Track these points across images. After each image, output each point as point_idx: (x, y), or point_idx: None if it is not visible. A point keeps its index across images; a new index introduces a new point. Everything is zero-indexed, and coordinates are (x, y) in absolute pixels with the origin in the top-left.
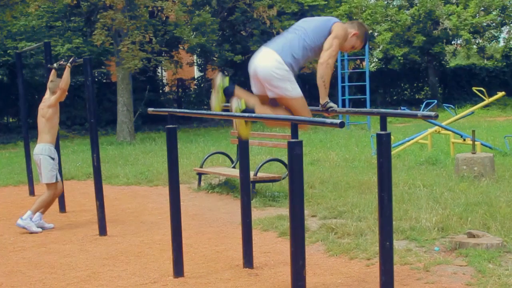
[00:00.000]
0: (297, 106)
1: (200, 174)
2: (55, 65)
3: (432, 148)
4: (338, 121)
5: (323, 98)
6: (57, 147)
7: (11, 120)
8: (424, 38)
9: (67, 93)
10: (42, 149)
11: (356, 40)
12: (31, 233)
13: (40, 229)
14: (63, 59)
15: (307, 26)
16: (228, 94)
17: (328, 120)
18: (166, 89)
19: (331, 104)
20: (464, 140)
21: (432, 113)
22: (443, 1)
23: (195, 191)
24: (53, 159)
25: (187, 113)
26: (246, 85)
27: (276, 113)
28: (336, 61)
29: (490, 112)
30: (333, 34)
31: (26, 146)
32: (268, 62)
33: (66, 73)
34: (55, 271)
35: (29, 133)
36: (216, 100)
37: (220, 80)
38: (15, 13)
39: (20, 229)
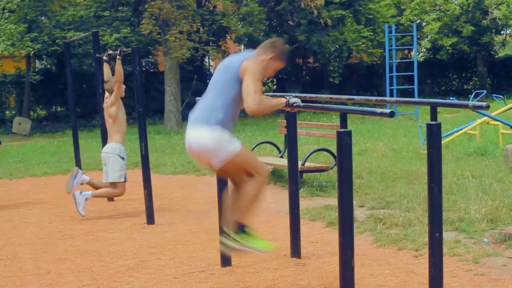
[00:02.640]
0: (244, 158)
1: None
2: (104, 57)
3: (481, 139)
4: (388, 111)
5: (281, 101)
6: (104, 136)
7: (59, 109)
8: (473, 28)
9: (124, 86)
10: (112, 148)
11: (275, 62)
12: (77, 208)
13: (84, 212)
14: (110, 49)
15: (221, 78)
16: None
17: (378, 110)
18: None
19: (293, 99)
20: None
21: (483, 104)
22: None
23: None
24: (122, 158)
25: None
26: (293, 74)
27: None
28: (384, 50)
29: None
30: (247, 76)
31: (74, 135)
32: (201, 138)
33: (118, 66)
34: (103, 259)
35: (77, 122)
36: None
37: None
38: (63, 3)
39: (68, 217)
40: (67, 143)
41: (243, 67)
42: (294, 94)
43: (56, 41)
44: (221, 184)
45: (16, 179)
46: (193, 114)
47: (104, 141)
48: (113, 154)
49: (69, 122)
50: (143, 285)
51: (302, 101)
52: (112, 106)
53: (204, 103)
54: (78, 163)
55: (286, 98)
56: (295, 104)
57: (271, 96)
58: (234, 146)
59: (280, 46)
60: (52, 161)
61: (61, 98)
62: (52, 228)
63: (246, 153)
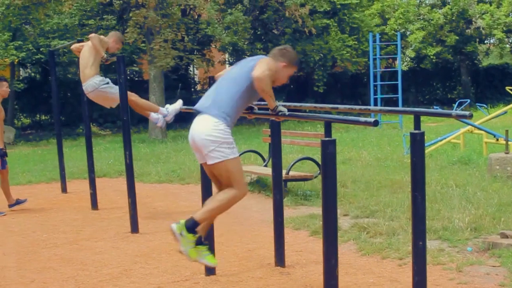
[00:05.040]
0: (234, 168)
1: None
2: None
3: (465, 148)
4: (372, 120)
5: (272, 104)
6: (88, 145)
7: (43, 117)
8: (457, 37)
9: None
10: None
11: (288, 69)
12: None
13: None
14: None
15: (231, 73)
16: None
17: (362, 119)
18: (198, 87)
19: (281, 108)
20: (497, 139)
21: (467, 113)
22: (476, 0)
23: None
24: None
25: None
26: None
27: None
28: (368, 59)
29: None
30: (262, 64)
31: (58, 144)
32: (204, 127)
33: None
34: (87, 267)
35: (61, 131)
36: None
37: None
38: (48, 11)
39: (52, 226)
40: (51, 152)
41: (258, 62)
42: (280, 103)
43: (41, 49)
44: (206, 193)
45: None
46: (201, 103)
47: (90, 150)
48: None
49: (53, 130)
50: None
51: (287, 109)
52: None
53: (215, 94)
54: (62, 172)
55: (277, 103)
56: (280, 113)
57: (262, 105)
58: (232, 152)
59: (291, 53)
60: (36, 170)
61: (45, 106)
62: (36, 237)
63: (238, 165)
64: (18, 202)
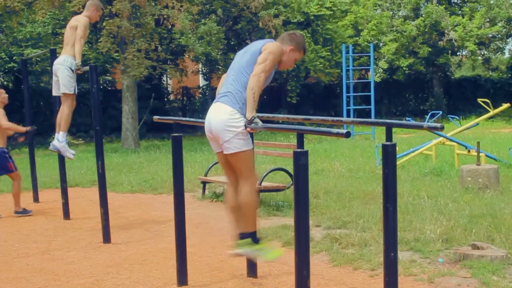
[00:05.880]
0: (247, 159)
1: (204, 183)
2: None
3: (437, 159)
4: (344, 131)
5: (250, 112)
6: (60, 154)
7: None
8: (429, 49)
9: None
10: None
11: (295, 53)
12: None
13: (72, 155)
14: None
15: (241, 61)
16: None
17: (334, 130)
18: (171, 97)
19: (257, 120)
20: (469, 151)
21: (438, 125)
22: (448, 12)
23: (199, 199)
24: None
25: (192, 121)
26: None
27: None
28: (341, 70)
29: (495, 124)
30: (267, 50)
31: (30, 153)
32: (221, 116)
33: None
34: (59, 278)
35: (33, 140)
36: None
37: None
38: (21, 20)
39: (23, 235)
40: (23, 161)
41: (265, 47)
42: (255, 115)
43: (13, 58)
44: (179, 204)
45: None
46: (217, 96)
47: (62, 159)
48: None
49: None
50: None
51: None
52: None
53: (228, 83)
54: (34, 181)
55: (255, 114)
56: (253, 125)
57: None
58: (247, 143)
59: (299, 38)
60: (7, 179)
61: (17, 115)
62: (8, 246)
63: (251, 155)
64: (24, 211)
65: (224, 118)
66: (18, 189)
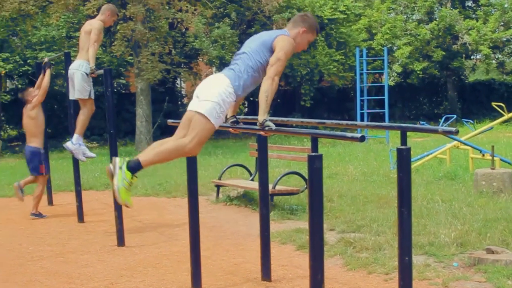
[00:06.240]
0: (205, 129)
1: (218, 186)
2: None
3: (451, 163)
4: (358, 135)
5: (262, 115)
6: (75, 158)
7: None
8: (443, 53)
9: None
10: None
11: (308, 34)
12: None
13: (84, 158)
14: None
15: (251, 46)
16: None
17: (349, 134)
18: (185, 100)
19: (269, 122)
20: (483, 155)
21: (453, 129)
22: (462, 16)
23: (213, 203)
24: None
25: None
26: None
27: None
28: (355, 74)
29: (509, 128)
30: (278, 48)
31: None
32: (217, 81)
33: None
34: (73, 281)
35: (48, 143)
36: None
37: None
38: (35, 23)
39: (38, 238)
40: None
41: (277, 41)
42: (268, 118)
43: (28, 61)
44: (193, 207)
45: None
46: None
47: (76, 162)
48: None
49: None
50: None
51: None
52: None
53: (233, 66)
54: (48, 184)
55: (267, 117)
56: (266, 128)
57: (249, 119)
58: (217, 118)
59: (311, 19)
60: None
61: None
62: (22, 249)
63: (209, 132)
64: (39, 215)
65: (218, 84)
66: (41, 193)
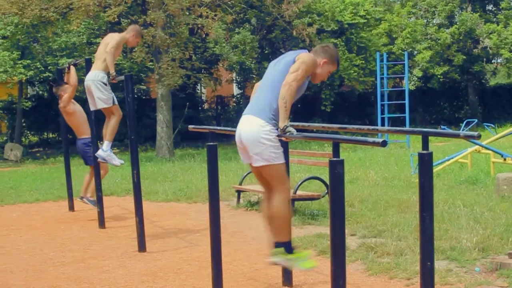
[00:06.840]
0: (278, 173)
1: (239, 192)
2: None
3: (472, 168)
4: (380, 140)
5: (283, 121)
6: (95, 163)
7: (51, 135)
8: (464, 57)
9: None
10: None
11: (329, 65)
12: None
13: (118, 163)
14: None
15: (274, 71)
16: None
17: (371, 139)
18: (205, 106)
19: (290, 128)
20: (505, 159)
21: (475, 133)
22: (483, 20)
23: (234, 208)
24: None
25: (227, 130)
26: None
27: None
28: (375, 79)
29: None
30: (301, 60)
31: (66, 162)
32: (252, 127)
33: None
34: (94, 286)
35: (69, 149)
36: None
37: None
38: (56, 30)
39: (59, 244)
40: (58, 170)
41: (300, 56)
42: (289, 123)
43: (49, 67)
44: (214, 212)
45: (7, 205)
46: (249, 105)
47: (97, 168)
48: None
49: (61, 148)
50: None
51: (294, 129)
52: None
53: (259, 96)
54: (69, 190)
55: (287, 123)
56: (288, 134)
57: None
58: (277, 157)
59: (332, 50)
60: (43, 188)
61: (53, 124)
62: (43, 255)
63: (282, 170)
64: (91, 200)
65: (255, 130)
66: (91, 178)
